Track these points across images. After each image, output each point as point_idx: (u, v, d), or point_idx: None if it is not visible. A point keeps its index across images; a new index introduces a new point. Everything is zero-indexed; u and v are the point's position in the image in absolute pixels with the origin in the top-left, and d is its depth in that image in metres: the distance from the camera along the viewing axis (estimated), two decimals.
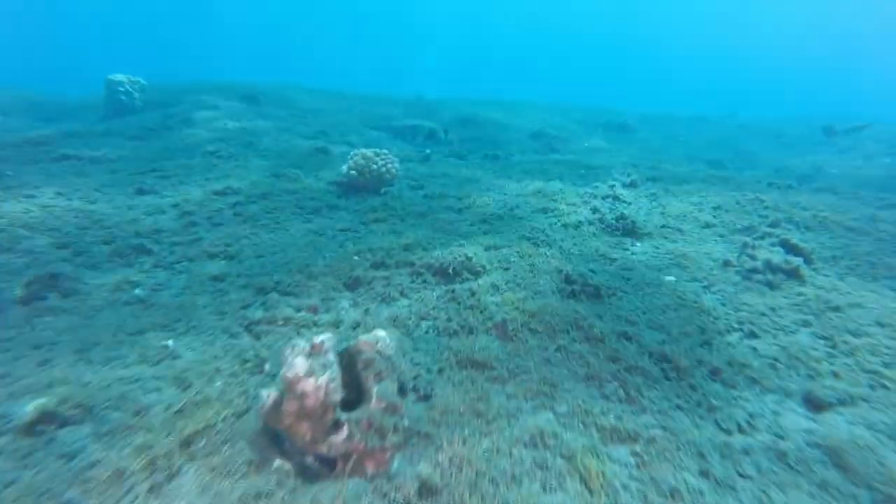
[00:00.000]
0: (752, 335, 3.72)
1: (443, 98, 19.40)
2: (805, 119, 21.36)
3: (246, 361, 3.26)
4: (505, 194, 7.00)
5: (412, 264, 4.53)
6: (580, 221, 5.49)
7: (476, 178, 7.93)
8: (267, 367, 3.22)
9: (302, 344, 2.66)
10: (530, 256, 4.60)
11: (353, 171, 6.97)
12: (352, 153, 7.28)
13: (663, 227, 5.41)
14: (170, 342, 3.45)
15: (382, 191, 7.12)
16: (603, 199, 6.47)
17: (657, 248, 5.00)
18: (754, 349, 3.55)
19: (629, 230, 5.20)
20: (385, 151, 7.31)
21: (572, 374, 3.24)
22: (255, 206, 6.29)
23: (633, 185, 7.14)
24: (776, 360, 3.42)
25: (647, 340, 3.55)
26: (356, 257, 4.74)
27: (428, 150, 10.79)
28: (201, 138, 9.19)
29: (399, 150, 10.27)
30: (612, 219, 5.37)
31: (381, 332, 2.94)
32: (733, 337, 3.71)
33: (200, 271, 4.85)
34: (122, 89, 12.41)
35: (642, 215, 5.81)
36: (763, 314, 3.92)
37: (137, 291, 4.55)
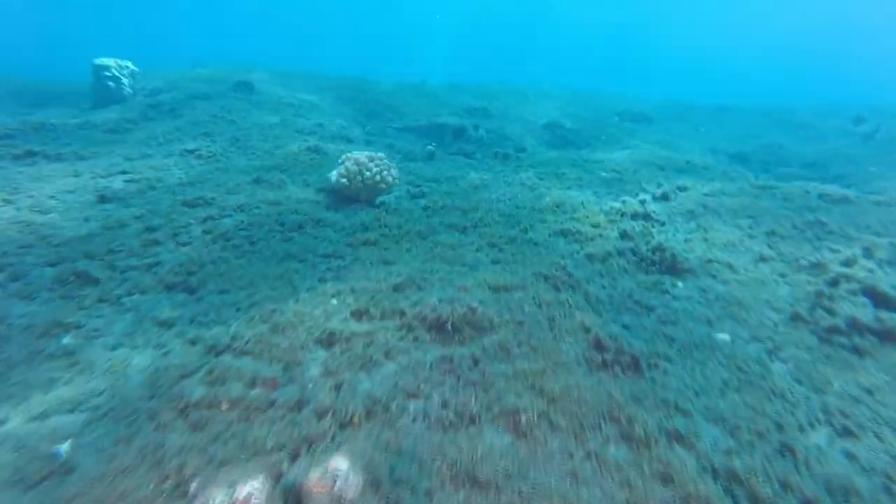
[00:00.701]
0: (847, 433, 2.76)
1: (449, 83, 18.25)
2: (831, 108, 19.97)
3: (165, 479, 2.36)
4: (517, 207, 6.01)
5: (402, 314, 3.60)
6: (608, 252, 4.51)
7: (484, 184, 6.94)
8: (192, 487, 2.32)
9: (220, 499, 1.75)
10: (549, 306, 3.65)
11: (343, 180, 6.01)
12: (343, 157, 6.32)
13: (709, 261, 4.42)
14: (62, 447, 2.55)
15: (377, 201, 6.16)
16: (633, 218, 5.46)
17: (704, 290, 4.02)
18: (853, 458, 2.60)
19: (668, 265, 4.21)
20: (381, 155, 6.33)
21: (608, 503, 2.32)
22: (230, 221, 5.36)
23: (664, 197, 6.13)
24: (890, 479, 2.47)
25: (707, 446, 2.61)
26: (334, 300, 3.81)
27: (433, 145, 9.78)
28: (184, 133, 8.24)
29: (403, 146, 9.28)
30: (648, 250, 4.38)
31: (340, 465, 2.03)
32: (820, 436, 2.76)
33: (150, 311, 3.95)
34: (108, 75, 11.44)
35: (681, 243, 4.81)
36: (857, 399, 2.96)
37: (66, 341, 3.66)
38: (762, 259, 4.46)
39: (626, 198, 6.05)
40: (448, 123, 10.86)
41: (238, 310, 3.85)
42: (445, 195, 6.49)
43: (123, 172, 6.58)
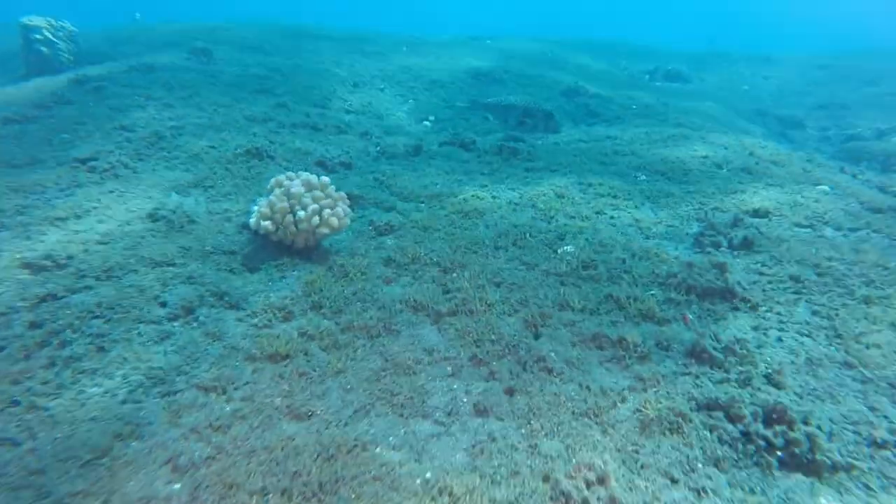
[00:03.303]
0: None
1: (443, 40, 15.42)
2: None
3: None
4: (524, 264, 3.85)
5: None
6: (674, 424, 2.37)
7: (481, 211, 4.73)
8: None
9: None
10: None
11: (265, 223, 3.88)
12: (271, 183, 4.16)
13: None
14: None
15: (322, 247, 4.05)
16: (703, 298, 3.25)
17: None
18: None
19: (807, 463, 2.12)
20: (325, 181, 4.14)
21: None
22: (82, 300, 3.34)
23: (747, 244, 3.87)
24: None
25: None
26: None
27: (428, 125, 7.47)
28: (94, 128, 6.08)
29: (394, 137, 6.98)
30: (768, 438, 2.23)
31: None
32: None
33: None
34: (39, 38, 9.17)
35: (826, 413, 2.58)
36: None
37: None
38: None
39: (694, 257, 3.79)
40: (513, 104, 8.49)
41: None
42: (421, 235, 4.33)
43: None
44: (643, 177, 5.80)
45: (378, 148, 6.63)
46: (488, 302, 3.35)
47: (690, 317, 3.08)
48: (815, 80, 14.68)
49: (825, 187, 5.67)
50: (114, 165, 5.08)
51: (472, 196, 4.98)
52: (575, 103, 10.01)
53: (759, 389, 2.46)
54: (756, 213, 4.58)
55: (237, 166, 5.40)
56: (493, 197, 5.00)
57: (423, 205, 4.92)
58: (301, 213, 3.85)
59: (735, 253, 3.77)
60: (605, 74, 12.90)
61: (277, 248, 4.04)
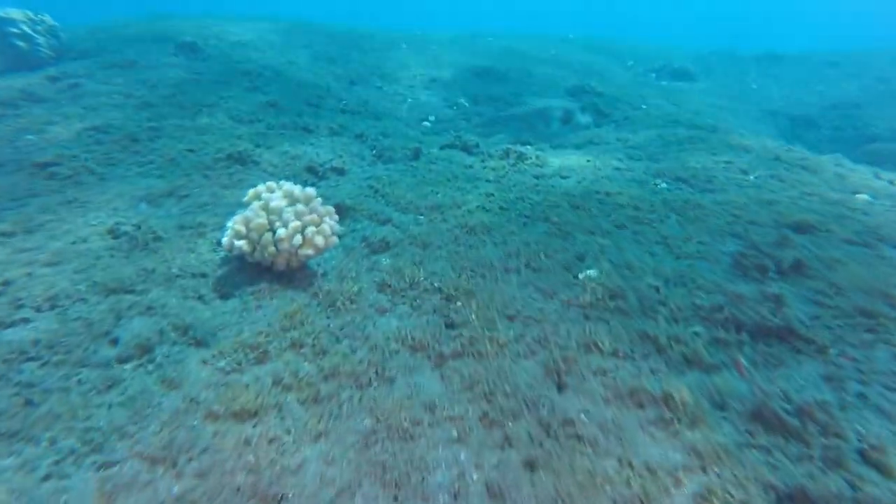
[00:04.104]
0: None
1: (444, 38, 14.80)
2: None
3: None
4: (540, 291, 3.27)
5: None
6: None
7: (488, 225, 4.14)
8: None
9: None
10: None
11: (239, 242, 3.30)
12: (248, 194, 3.58)
13: None
14: None
15: (299, 276, 3.47)
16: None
17: None
18: None
19: None
20: (311, 194, 3.56)
21: None
22: (14, 337, 2.76)
23: (798, 268, 3.29)
24: None
25: None
26: None
27: (428, 125, 6.90)
28: (69, 128, 5.49)
29: (392, 137, 6.38)
30: None
31: None
32: None
33: None
34: (16, 31, 8.53)
35: None
36: None
37: None
38: None
39: (739, 285, 3.20)
40: (551, 106, 7.80)
41: None
42: (421, 250, 3.76)
43: None
44: (663, 184, 5.23)
45: (374, 151, 6.05)
46: (500, 341, 2.78)
47: (744, 363, 2.51)
48: (826, 79, 14.08)
49: (866, 196, 5.10)
50: (77, 171, 4.49)
51: (478, 207, 4.40)
52: (582, 103, 9.41)
53: (859, 478, 1.89)
54: (798, 228, 4.01)
55: (217, 172, 4.81)
56: (501, 208, 4.42)
57: (422, 217, 4.34)
58: (281, 232, 3.27)
59: (785, 279, 3.19)
60: (610, 73, 12.32)
61: (255, 270, 3.46)
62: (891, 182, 5.90)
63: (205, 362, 2.72)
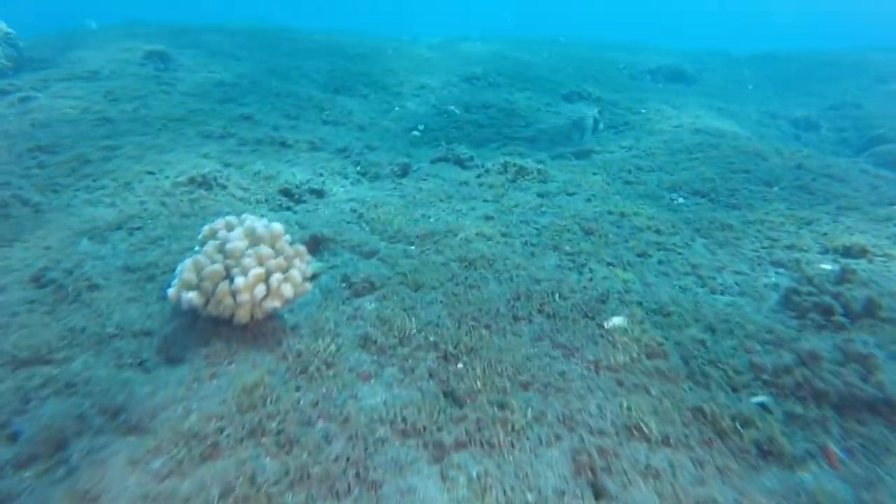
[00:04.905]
0: None
1: (432, 42, 14.18)
2: None
3: None
4: (559, 348, 2.65)
5: None
6: None
7: (489, 257, 3.52)
8: None
9: None
10: None
11: (189, 294, 2.64)
12: (203, 231, 2.93)
13: None
14: None
15: (264, 331, 2.81)
16: None
17: None
18: None
19: None
20: (278, 231, 2.91)
21: None
22: None
23: (871, 311, 2.70)
24: None
25: None
26: None
27: (417, 134, 6.28)
28: (10, 149, 4.79)
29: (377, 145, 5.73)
30: None
31: None
32: None
33: None
34: None
35: None
36: None
37: None
38: None
39: (811, 339, 2.59)
40: (583, 118, 7.01)
41: None
42: (413, 292, 3.12)
43: None
44: (681, 199, 4.64)
45: (358, 167, 5.42)
46: (514, 425, 2.15)
47: (837, 451, 1.90)
48: (822, 78, 13.65)
49: None
50: (6, 203, 3.80)
51: (476, 234, 3.77)
52: (579, 107, 8.84)
53: None
54: (848, 253, 3.42)
55: (176, 199, 4.15)
56: (503, 234, 3.80)
57: (412, 247, 3.71)
58: (240, 281, 2.62)
59: (859, 324, 2.60)
60: (605, 76, 11.77)
61: (212, 324, 2.80)
62: None
63: (134, 463, 2.06)
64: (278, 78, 8.61)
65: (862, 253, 3.37)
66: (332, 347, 2.69)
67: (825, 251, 3.50)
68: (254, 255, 2.71)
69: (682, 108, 9.39)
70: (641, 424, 2.07)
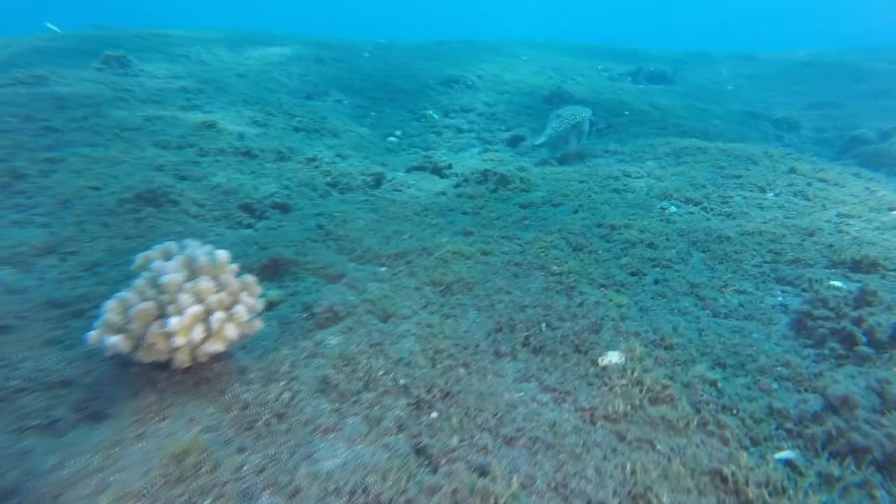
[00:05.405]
0: None
1: (407, 45, 13.83)
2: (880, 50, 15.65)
3: None
4: (549, 391, 2.29)
5: None
6: None
7: (468, 281, 3.14)
8: None
9: None
10: None
11: (112, 339, 2.21)
12: (137, 261, 2.50)
13: None
14: None
15: (207, 376, 2.40)
16: None
17: None
18: None
19: None
20: (222, 260, 2.49)
21: None
22: None
23: None
24: None
25: None
26: None
27: (394, 140, 5.88)
28: None
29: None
30: None
31: None
32: None
33: None
34: None
35: None
36: None
37: None
38: None
39: (847, 381, 2.26)
40: (580, 117, 6.49)
41: None
42: (382, 323, 2.73)
43: None
44: (672, 207, 4.33)
45: (328, 178, 5.00)
46: (498, 499, 1.77)
47: None
48: (802, 79, 13.59)
49: None
50: None
51: (454, 254, 3.39)
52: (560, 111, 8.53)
53: None
54: (857, 267, 3.12)
55: (120, 218, 3.70)
56: (483, 252, 3.43)
57: (384, 269, 3.32)
58: (174, 322, 2.20)
59: (883, 355, 2.28)
60: (585, 78, 11.52)
61: (147, 370, 2.38)
62: None
63: None
64: (247, 83, 8.15)
65: (874, 267, 3.07)
66: (286, 395, 2.29)
67: (833, 265, 3.19)
68: (192, 290, 2.29)
69: (664, 109, 9.15)
70: (650, 495, 1.71)
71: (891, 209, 4.33)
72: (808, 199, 4.39)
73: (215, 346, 2.27)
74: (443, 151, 6.71)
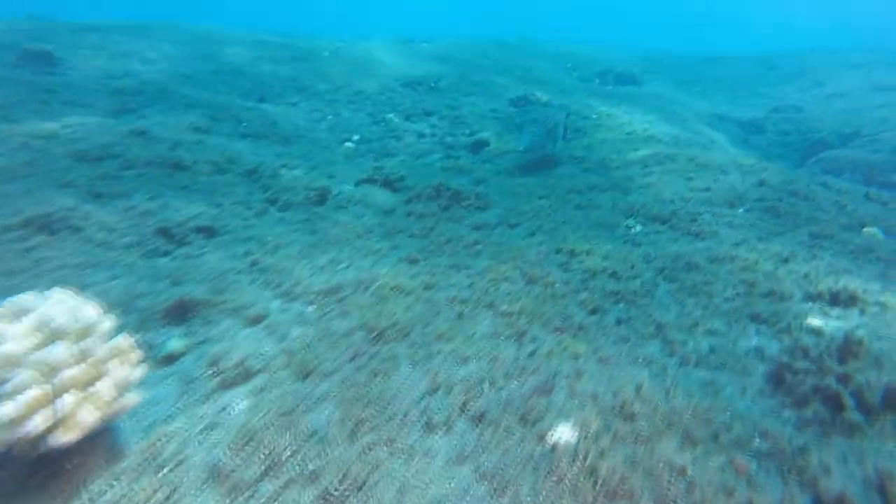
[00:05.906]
0: None
1: (372, 45, 13.28)
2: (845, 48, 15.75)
3: None
4: (499, 491, 1.88)
5: None
6: None
7: (405, 325, 2.72)
8: None
9: None
10: None
11: None
12: None
13: None
14: None
15: (71, 458, 1.91)
16: None
17: None
18: None
19: None
20: (89, 318, 1.99)
21: None
22: None
23: (893, 401, 2.09)
24: None
25: None
26: None
27: (351, 146, 5.41)
28: None
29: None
30: None
31: None
32: None
33: None
34: None
35: None
36: None
37: None
38: None
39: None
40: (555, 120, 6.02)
41: None
42: (299, 384, 2.28)
43: None
44: (638, 227, 3.98)
45: (268, 194, 4.50)
46: None
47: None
48: (766, 81, 13.56)
49: (875, 230, 4.05)
50: None
51: (392, 289, 2.96)
52: (527, 114, 8.18)
53: None
54: (835, 300, 2.81)
55: (4, 248, 3.14)
56: (426, 288, 3.00)
57: (311, 308, 2.86)
58: (7, 410, 1.71)
59: (875, 423, 1.94)
60: (554, 80, 11.18)
61: None
62: (884, 204, 4.91)
63: None
64: (193, 84, 7.53)
65: (852, 301, 2.76)
66: (161, 494, 1.82)
67: (809, 297, 2.88)
68: (37, 363, 1.80)
69: (632, 113, 8.87)
70: None
71: (863, 226, 4.07)
72: (779, 217, 4.09)
73: (66, 437, 1.78)
74: (402, 158, 6.26)
